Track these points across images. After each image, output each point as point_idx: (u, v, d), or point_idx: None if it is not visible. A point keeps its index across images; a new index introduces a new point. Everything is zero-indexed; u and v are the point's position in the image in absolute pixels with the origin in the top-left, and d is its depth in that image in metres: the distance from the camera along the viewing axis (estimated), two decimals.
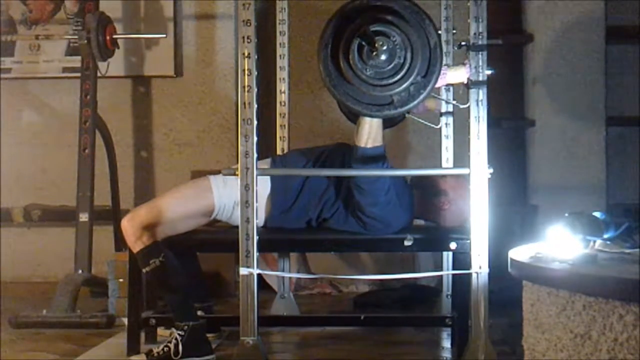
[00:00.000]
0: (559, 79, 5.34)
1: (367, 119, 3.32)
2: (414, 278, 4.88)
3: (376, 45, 2.98)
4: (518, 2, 5.49)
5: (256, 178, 3.22)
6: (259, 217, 3.35)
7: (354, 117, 4.09)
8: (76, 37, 4.87)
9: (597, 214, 2.85)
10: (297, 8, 5.07)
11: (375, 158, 3.42)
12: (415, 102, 3.09)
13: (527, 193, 5.43)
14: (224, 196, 3.60)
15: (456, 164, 4.18)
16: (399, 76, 3.04)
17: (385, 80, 3.04)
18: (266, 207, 3.61)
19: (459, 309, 3.58)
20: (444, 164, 4.24)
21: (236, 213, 3.47)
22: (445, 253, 4.11)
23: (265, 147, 4.07)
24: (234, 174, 3.25)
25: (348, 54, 3.02)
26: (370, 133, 3.37)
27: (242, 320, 3.23)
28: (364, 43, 3.00)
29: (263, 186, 3.51)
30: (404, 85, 3.06)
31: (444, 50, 4.20)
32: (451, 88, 4.06)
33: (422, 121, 4.11)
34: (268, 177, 3.61)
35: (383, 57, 3.00)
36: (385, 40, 3.00)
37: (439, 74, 3.09)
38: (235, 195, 3.42)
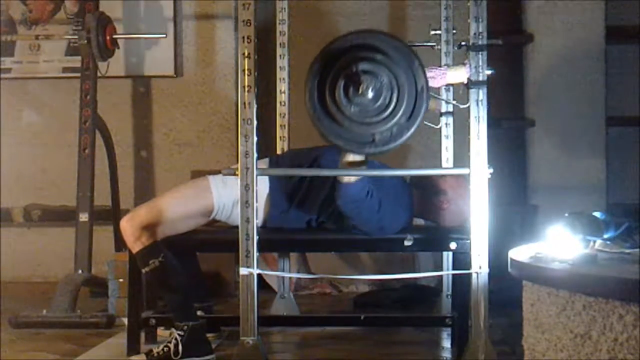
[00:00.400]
0: (559, 79, 5.34)
1: (351, 154, 3.32)
2: (414, 278, 4.88)
3: (361, 84, 2.97)
4: (518, 2, 5.49)
5: (256, 178, 3.22)
6: (258, 217, 3.35)
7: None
8: (76, 37, 4.87)
9: (597, 214, 2.85)
10: (297, 8, 5.07)
11: (359, 196, 3.41)
12: (397, 143, 3.07)
13: (527, 193, 5.43)
14: (223, 196, 3.60)
15: (456, 164, 4.18)
16: (383, 116, 3.03)
17: (369, 118, 3.03)
18: (265, 208, 3.61)
19: (459, 309, 3.58)
20: (444, 164, 4.24)
21: (235, 213, 3.47)
22: (445, 253, 4.11)
23: (265, 147, 4.07)
24: (234, 174, 3.25)
25: (334, 90, 3.01)
26: (354, 157, 3.35)
27: (242, 320, 3.23)
28: (349, 81, 2.98)
29: (262, 186, 3.50)
30: (387, 126, 3.04)
31: (444, 50, 4.23)
32: (451, 88, 4.07)
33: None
34: (266, 178, 3.61)
35: (369, 95, 3.00)
36: (372, 79, 2.99)
37: (423, 117, 3.07)
38: (235, 195, 3.42)
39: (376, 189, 3.46)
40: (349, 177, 3.38)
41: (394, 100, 3.02)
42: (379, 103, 3.02)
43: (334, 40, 3.08)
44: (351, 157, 3.30)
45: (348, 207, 3.44)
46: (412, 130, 3.07)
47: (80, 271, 4.60)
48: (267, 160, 3.74)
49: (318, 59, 3.07)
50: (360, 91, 2.98)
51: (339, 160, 3.61)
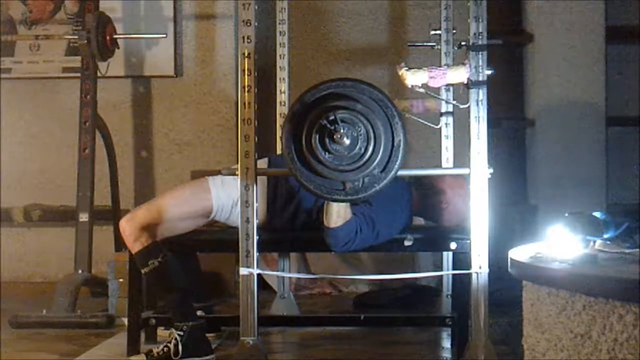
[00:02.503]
0: (559, 79, 5.33)
1: (335, 207, 3.29)
2: (414, 278, 4.87)
3: (336, 135, 2.96)
4: (518, 2, 5.49)
5: (256, 178, 3.22)
6: (257, 219, 3.34)
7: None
8: (76, 37, 4.87)
9: (597, 214, 2.85)
10: (297, 8, 5.07)
11: (349, 238, 3.38)
12: (367, 193, 3.04)
13: (527, 193, 5.43)
14: (222, 197, 3.60)
15: (456, 164, 4.18)
16: (356, 165, 3.01)
17: (342, 166, 3.01)
18: (263, 207, 3.61)
19: (459, 309, 3.58)
20: (444, 164, 4.24)
21: (234, 214, 3.47)
22: (445, 253, 4.11)
23: (265, 147, 4.07)
24: (234, 174, 3.25)
25: (311, 133, 2.99)
26: (339, 212, 3.33)
27: (242, 320, 3.23)
28: (326, 129, 2.96)
29: (260, 187, 3.50)
30: (359, 175, 3.02)
31: (444, 50, 4.23)
32: (451, 88, 4.06)
33: (422, 121, 4.10)
34: (265, 178, 3.60)
35: (345, 143, 2.98)
36: (350, 128, 2.98)
37: (396, 172, 3.05)
38: (233, 196, 3.42)
39: (367, 208, 3.43)
40: (335, 223, 3.34)
41: (370, 151, 3.00)
42: (354, 152, 3.00)
43: (315, 86, 3.05)
44: (333, 221, 3.31)
45: (339, 250, 3.45)
46: (385, 182, 3.04)
47: (80, 271, 4.60)
48: (265, 160, 3.74)
49: (298, 102, 3.04)
50: (335, 139, 2.97)
51: None
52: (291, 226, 3.66)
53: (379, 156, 3.02)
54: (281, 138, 3.08)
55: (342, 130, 2.96)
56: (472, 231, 3.22)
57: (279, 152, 4.33)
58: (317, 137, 2.99)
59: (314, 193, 3.11)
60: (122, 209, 4.98)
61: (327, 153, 3.00)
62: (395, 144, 3.03)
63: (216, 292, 4.84)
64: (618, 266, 2.54)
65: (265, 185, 3.62)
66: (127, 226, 3.57)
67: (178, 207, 3.61)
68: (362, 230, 3.40)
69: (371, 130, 3.00)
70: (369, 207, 3.44)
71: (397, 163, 3.03)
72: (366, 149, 3.01)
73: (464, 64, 3.25)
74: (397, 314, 4.52)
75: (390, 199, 3.55)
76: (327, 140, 2.98)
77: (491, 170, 3.21)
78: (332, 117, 2.97)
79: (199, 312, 3.71)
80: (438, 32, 4.23)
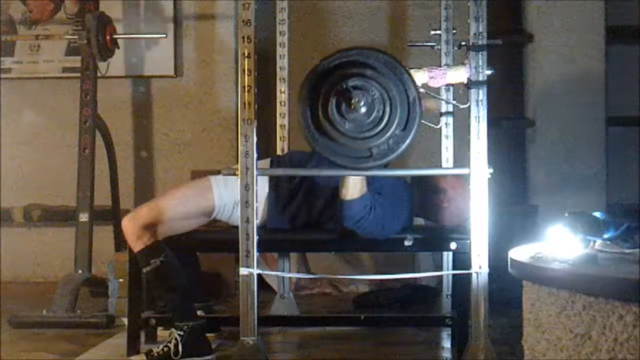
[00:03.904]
0: (559, 79, 5.33)
1: (351, 180, 3.32)
2: (414, 278, 4.88)
3: (353, 100, 2.97)
4: (518, 2, 5.49)
5: (256, 178, 3.22)
6: (258, 218, 3.35)
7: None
8: (76, 37, 4.87)
9: (597, 214, 2.85)
10: (297, 8, 5.07)
11: (363, 213, 3.41)
12: (395, 154, 3.06)
13: (527, 193, 5.43)
14: (224, 196, 3.61)
15: (456, 164, 4.18)
16: (377, 129, 3.02)
17: (364, 133, 3.03)
18: (264, 208, 3.61)
19: (459, 309, 3.58)
20: (444, 164, 4.24)
21: (236, 213, 3.47)
22: (445, 253, 4.11)
23: (265, 147, 4.07)
24: (234, 174, 3.25)
25: (327, 107, 3.01)
26: (356, 184, 3.36)
27: (242, 320, 3.23)
28: (341, 98, 2.98)
29: (261, 186, 3.50)
30: (383, 139, 3.03)
31: (444, 50, 4.23)
32: (451, 88, 4.06)
33: (422, 121, 4.10)
34: (266, 179, 3.61)
35: (362, 110, 2.99)
36: (364, 94, 2.99)
37: (418, 127, 3.07)
38: (236, 196, 3.42)
39: (377, 195, 3.46)
40: (351, 195, 3.37)
41: (387, 112, 3.02)
42: (372, 117, 3.01)
43: (321, 61, 3.07)
44: (349, 194, 3.34)
45: (353, 226, 3.45)
46: (409, 140, 3.06)
47: (80, 271, 4.60)
48: (268, 160, 3.74)
49: (307, 80, 3.06)
50: (352, 107, 2.98)
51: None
52: (301, 225, 3.67)
53: (398, 116, 3.03)
54: (299, 120, 3.07)
55: (357, 98, 2.97)
56: (472, 231, 3.21)
57: (279, 152, 4.34)
58: (334, 110, 3.00)
59: (342, 167, 3.13)
60: (122, 209, 4.98)
61: (347, 123, 3.01)
62: (410, 100, 3.05)
63: (216, 292, 4.85)
64: (618, 266, 2.54)
65: (267, 185, 3.62)
66: (130, 225, 3.57)
67: (180, 206, 3.61)
68: (375, 209, 3.42)
69: (384, 92, 3.02)
70: (379, 195, 3.47)
71: (417, 119, 3.05)
72: (384, 111, 3.02)
73: (464, 64, 3.25)
74: (397, 314, 4.52)
75: (394, 195, 3.56)
76: (344, 111, 2.99)
77: (491, 170, 3.21)
78: (344, 86, 2.98)
79: (199, 312, 3.71)
80: (438, 32, 4.23)
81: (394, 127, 3.03)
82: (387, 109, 3.02)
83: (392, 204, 3.52)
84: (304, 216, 3.67)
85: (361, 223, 3.42)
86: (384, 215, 3.46)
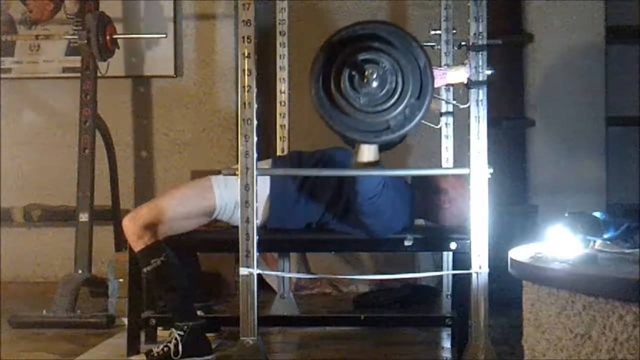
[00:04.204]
0: (559, 79, 5.34)
1: (365, 146, 3.32)
2: (414, 278, 4.88)
3: (366, 73, 2.98)
4: (518, 2, 5.49)
5: (256, 178, 3.22)
6: (258, 219, 3.35)
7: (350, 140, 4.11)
8: (76, 37, 4.87)
9: (597, 214, 2.85)
10: (297, 8, 5.07)
11: (377, 188, 3.42)
12: (412, 124, 3.08)
13: (527, 193, 5.43)
14: (225, 196, 3.61)
15: (456, 164, 4.18)
16: (392, 101, 3.04)
17: (379, 106, 3.04)
18: (264, 210, 3.61)
19: (459, 309, 3.58)
20: (444, 164, 4.24)
21: (237, 213, 3.46)
22: (445, 253, 4.11)
23: (265, 147, 4.07)
24: (234, 174, 3.25)
25: (339, 84, 3.02)
26: (369, 159, 3.36)
27: (242, 320, 3.23)
28: (353, 72, 3.00)
29: (262, 188, 3.50)
30: (399, 109, 3.05)
31: (444, 50, 4.22)
32: (451, 88, 4.06)
33: (422, 121, 4.10)
34: (267, 179, 3.61)
35: (374, 84, 3.01)
36: (375, 67, 3.00)
37: (432, 94, 3.09)
38: (236, 196, 3.41)
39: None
40: (368, 158, 3.36)
41: (400, 83, 3.03)
42: (386, 89, 3.03)
43: (330, 38, 3.09)
44: (365, 157, 3.32)
45: (367, 203, 3.44)
46: (424, 108, 3.08)
47: (80, 271, 4.60)
48: (269, 161, 3.74)
49: (317, 58, 3.07)
50: (365, 80, 2.98)
51: (342, 162, 3.62)
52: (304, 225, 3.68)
53: (411, 84, 3.04)
54: (311, 101, 3.09)
55: (370, 70, 2.98)
56: (472, 231, 3.21)
57: (279, 152, 4.34)
58: (348, 86, 3.01)
59: (361, 142, 3.15)
60: (122, 209, 4.98)
61: (361, 98, 3.02)
62: (421, 68, 3.06)
63: (216, 292, 4.84)
64: (618, 266, 2.54)
65: (268, 185, 3.62)
66: (130, 225, 3.57)
67: (181, 206, 3.61)
68: (387, 187, 3.43)
69: (395, 63, 3.03)
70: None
71: (430, 86, 3.07)
72: (397, 82, 3.03)
73: (464, 64, 3.25)
74: (397, 314, 4.52)
75: (397, 191, 3.56)
76: (357, 86, 3.00)
77: (491, 170, 3.21)
78: (355, 61, 2.98)
79: (199, 312, 3.71)
80: (438, 32, 4.23)
81: (408, 96, 3.04)
82: (400, 80, 3.03)
83: (397, 199, 3.53)
84: (305, 217, 3.66)
85: (373, 200, 3.41)
86: (393, 204, 3.46)
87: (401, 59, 3.03)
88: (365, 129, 3.09)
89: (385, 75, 3.01)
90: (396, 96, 3.04)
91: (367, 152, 3.35)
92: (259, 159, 3.24)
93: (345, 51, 3.04)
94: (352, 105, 3.03)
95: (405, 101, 3.05)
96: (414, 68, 3.05)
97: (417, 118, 3.08)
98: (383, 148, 3.49)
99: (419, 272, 4.79)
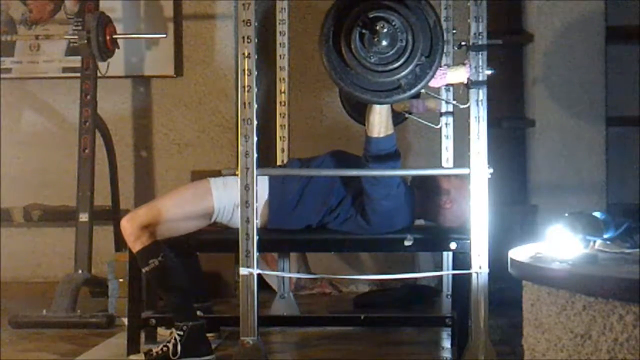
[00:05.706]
0: (559, 79, 5.33)
1: (377, 108, 3.32)
2: (414, 278, 4.88)
3: (377, 29, 2.98)
4: (518, 2, 5.49)
5: (256, 178, 3.22)
6: (257, 218, 3.34)
7: (357, 115, 4.10)
8: (76, 37, 4.87)
9: (597, 214, 2.85)
10: (297, 8, 5.07)
11: (390, 151, 3.42)
12: (423, 82, 3.09)
13: (527, 193, 5.43)
14: (223, 198, 3.60)
15: (456, 164, 4.18)
16: (403, 59, 3.04)
17: (390, 65, 3.03)
18: (263, 214, 3.59)
19: (459, 309, 3.58)
20: (444, 164, 4.24)
21: (236, 216, 3.47)
22: (445, 253, 4.11)
23: (266, 147, 4.07)
24: (234, 174, 3.25)
25: (350, 44, 3.02)
26: (381, 122, 3.37)
27: (242, 320, 3.23)
28: (364, 30, 3.00)
29: (261, 191, 3.49)
30: (410, 68, 3.05)
31: (444, 50, 4.22)
32: (451, 88, 4.06)
33: (422, 121, 4.10)
34: (266, 183, 3.60)
35: (385, 42, 3.00)
36: (385, 24, 3.00)
37: (442, 52, 3.10)
38: (235, 198, 3.42)
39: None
40: (379, 133, 3.37)
41: (410, 41, 3.03)
42: (396, 47, 3.02)
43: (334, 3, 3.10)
44: (377, 121, 3.34)
45: (383, 202, 3.45)
46: (435, 66, 3.08)
47: (80, 271, 4.60)
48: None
49: (327, 17, 3.07)
50: (375, 37, 2.98)
51: (341, 164, 3.61)
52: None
53: (421, 43, 3.04)
54: (322, 62, 3.08)
55: (380, 24, 2.98)
56: (472, 231, 3.22)
57: (279, 152, 4.34)
58: (358, 45, 3.00)
59: (372, 102, 3.17)
60: (122, 209, 4.98)
61: (372, 57, 3.01)
62: (431, 25, 3.06)
63: (216, 292, 4.84)
64: (618, 266, 2.54)
65: (267, 188, 3.62)
66: (128, 225, 3.57)
67: (179, 208, 3.61)
68: (399, 187, 3.45)
69: (404, 20, 3.02)
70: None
71: (440, 44, 3.06)
72: (407, 40, 3.03)
73: (464, 64, 3.25)
74: (397, 314, 4.52)
75: (399, 189, 3.56)
76: (367, 44, 3.00)
77: (491, 170, 3.21)
78: (365, 20, 2.98)
79: (199, 312, 3.71)
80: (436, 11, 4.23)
81: (418, 54, 3.04)
82: (410, 38, 3.03)
83: (403, 200, 3.54)
84: (304, 220, 3.66)
85: (387, 166, 3.43)
86: (398, 189, 3.47)
87: (411, 17, 3.03)
88: (376, 88, 3.08)
89: (395, 34, 3.00)
90: (407, 54, 3.03)
91: (379, 116, 3.35)
92: (258, 159, 3.24)
93: (355, 9, 3.04)
94: (363, 64, 3.02)
95: (416, 59, 3.04)
96: (423, 26, 3.05)
97: (428, 77, 3.08)
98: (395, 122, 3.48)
99: (419, 272, 4.79)
